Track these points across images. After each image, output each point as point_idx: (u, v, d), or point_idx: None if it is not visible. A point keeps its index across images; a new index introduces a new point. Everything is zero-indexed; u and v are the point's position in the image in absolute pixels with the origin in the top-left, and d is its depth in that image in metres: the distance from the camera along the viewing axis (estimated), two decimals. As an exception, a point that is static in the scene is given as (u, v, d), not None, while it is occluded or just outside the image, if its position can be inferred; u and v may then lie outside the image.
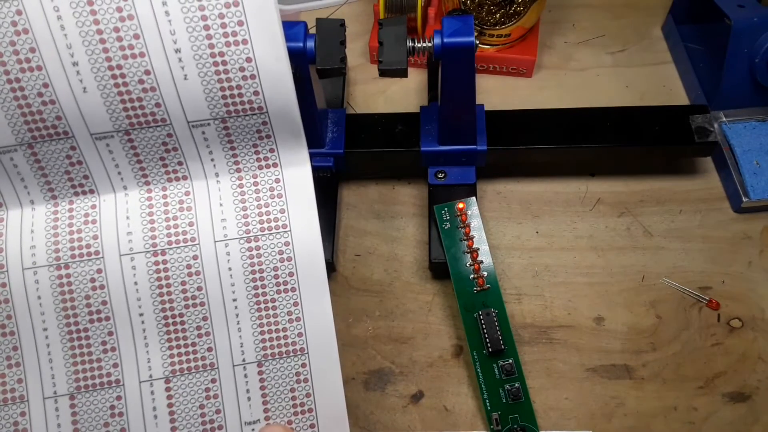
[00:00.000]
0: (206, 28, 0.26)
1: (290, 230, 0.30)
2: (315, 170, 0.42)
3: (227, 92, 0.27)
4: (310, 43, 0.36)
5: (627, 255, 0.42)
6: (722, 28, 0.45)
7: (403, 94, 0.51)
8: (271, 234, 0.30)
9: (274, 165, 0.30)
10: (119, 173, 0.29)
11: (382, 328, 0.40)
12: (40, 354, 0.29)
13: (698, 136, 0.42)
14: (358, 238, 0.44)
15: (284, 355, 0.30)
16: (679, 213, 0.44)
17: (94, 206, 0.29)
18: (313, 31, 0.36)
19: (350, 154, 0.43)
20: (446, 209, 0.40)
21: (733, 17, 0.43)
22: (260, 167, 0.30)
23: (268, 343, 0.30)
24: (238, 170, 0.30)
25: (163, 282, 0.29)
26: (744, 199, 0.43)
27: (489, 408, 0.36)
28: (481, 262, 0.38)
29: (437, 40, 0.36)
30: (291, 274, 0.30)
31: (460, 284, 0.38)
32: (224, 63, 0.26)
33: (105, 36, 0.25)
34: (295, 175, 0.30)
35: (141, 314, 0.29)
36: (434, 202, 0.41)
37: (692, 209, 0.44)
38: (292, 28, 0.36)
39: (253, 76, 0.27)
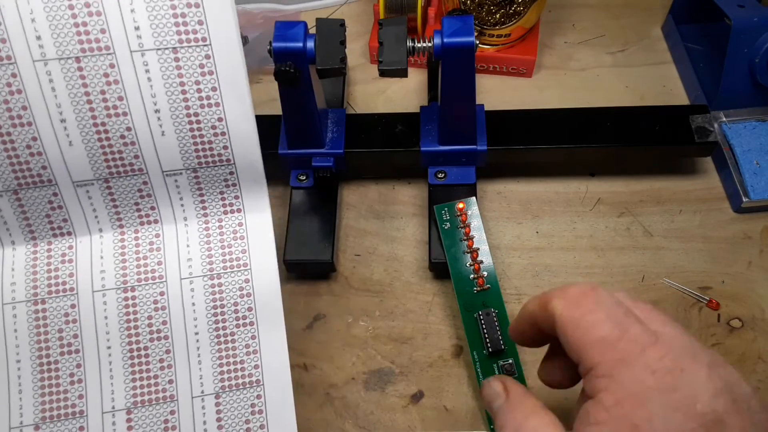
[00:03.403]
0: (183, 92, 0.29)
1: (250, 268, 0.32)
2: (315, 170, 0.42)
3: (200, 146, 0.30)
4: (310, 43, 0.36)
5: (627, 255, 0.42)
6: (722, 28, 0.45)
7: (403, 94, 0.51)
8: (233, 272, 0.32)
9: (238, 210, 0.32)
10: (96, 217, 0.31)
11: (382, 328, 0.40)
12: (11, 385, 0.30)
13: (698, 136, 0.42)
14: (358, 238, 0.44)
15: (241, 387, 0.31)
16: (679, 213, 0.44)
17: (71, 247, 0.31)
18: (313, 31, 0.36)
19: (350, 154, 0.43)
20: (446, 209, 0.40)
21: (733, 17, 0.43)
22: (225, 212, 0.32)
23: (225, 375, 0.31)
24: (205, 215, 0.32)
25: (131, 316, 0.31)
26: (744, 199, 0.43)
27: None
28: (481, 262, 0.38)
29: (437, 40, 0.36)
30: (250, 309, 0.32)
31: (460, 284, 0.38)
32: (198, 122, 0.29)
33: (92, 97, 0.28)
34: (257, 219, 0.32)
35: (109, 347, 0.31)
36: (434, 202, 0.41)
37: (692, 209, 0.44)
38: (292, 28, 0.36)
39: (223, 133, 0.30)
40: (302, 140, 0.42)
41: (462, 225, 0.39)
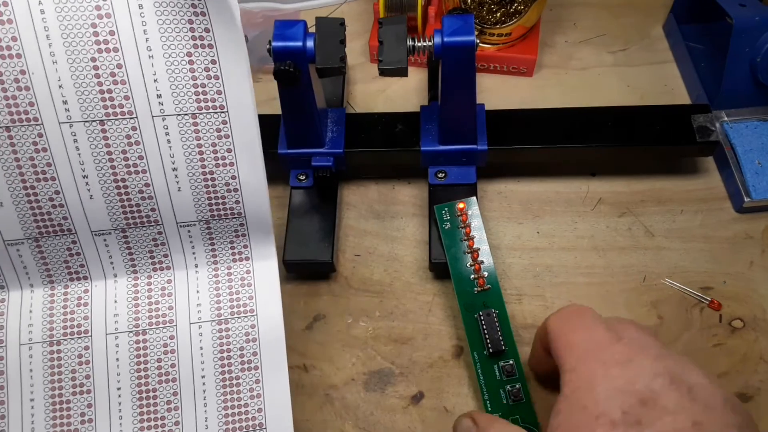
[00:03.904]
0: (200, 153, 0.30)
1: (257, 314, 0.33)
2: (315, 170, 0.42)
3: (213, 201, 0.32)
4: (310, 42, 0.36)
5: (628, 255, 0.42)
6: (724, 27, 0.45)
7: (403, 94, 0.50)
8: (240, 317, 0.33)
9: (246, 258, 0.33)
10: (112, 263, 0.33)
11: (382, 328, 0.40)
12: (24, 423, 0.32)
13: (700, 135, 0.42)
14: (358, 238, 0.43)
15: (244, 430, 0.32)
16: (680, 213, 0.44)
17: (86, 291, 0.33)
18: (312, 30, 0.36)
19: (350, 153, 0.42)
20: (446, 209, 0.40)
21: (734, 16, 0.42)
22: (234, 260, 0.33)
23: (230, 418, 0.32)
24: (215, 262, 0.33)
25: (142, 359, 0.32)
26: (746, 199, 0.43)
27: (490, 409, 0.35)
28: (482, 262, 0.38)
29: (437, 39, 0.36)
30: (255, 354, 0.33)
31: (460, 285, 0.38)
32: (213, 179, 0.31)
33: (114, 156, 0.30)
34: (264, 267, 0.34)
35: (119, 388, 0.32)
36: (434, 201, 0.41)
37: (694, 209, 0.44)
38: (291, 27, 0.36)
39: (236, 190, 0.31)
40: (302, 140, 0.42)
41: (462, 225, 0.39)
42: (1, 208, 0.30)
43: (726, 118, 0.45)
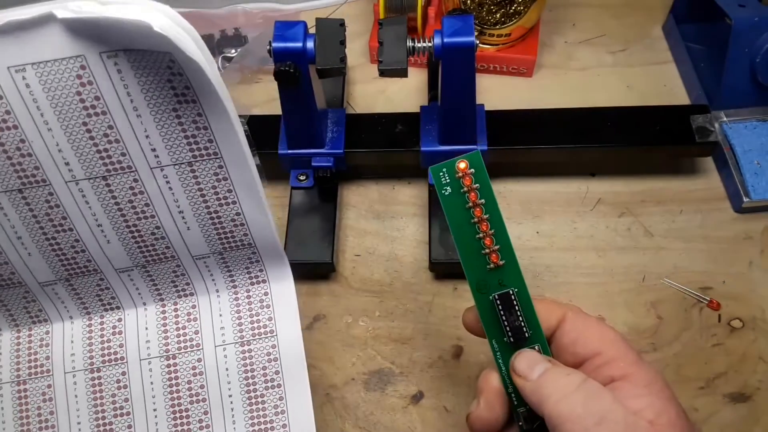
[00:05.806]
0: (203, 195, 0.32)
1: (276, 334, 0.35)
2: (315, 170, 0.42)
3: (222, 236, 0.33)
4: (310, 43, 0.36)
5: (628, 255, 0.42)
6: (723, 27, 0.45)
7: (403, 94, 0.50)
8: (261, 338, 0.35)
9: (263, 281, 0.35)
10: (139, 294, 0.35)
11: (382, 328, 0.40)
12: None
13: (699, 136, 0.42)
14: (358, 238, 0.44)
15: None
16: (679, 213, 0.44)
17: (120, 319, 0.36)
18: (312, 30, 0.36)
19: (350, 154, 0.43)
20: (444, 170, 0.30)
21: (733, 17, 0.43)
22: (252, 284, 0.35)
23: None
24: (234, 287, 0.35)
25: (173, 381, 0.35)
26: (745, 199, 0.43)
27: (515, 403, 0.30)
28: (493, 233, 0.30)
29: (437, 40, 0.36)
30: (277, 372, 0.34)
31: (469, 261, 0.30)
32: (219, 217, 0.33)
33: (122, 206, 0.32)
34: (281, 288, 0.35)
35: (154, 410, 0.35)
36: (434, 202, 0.41)
37: (693, 209, 0.44)
38: (291, 27, 0.36)
39: (242, 224, 0.33)
40: (302, 140, 0.42)
41: (466, 189, 0.30)
42: (30, 257, 0.33)
43: (725, 119, 0.46)
